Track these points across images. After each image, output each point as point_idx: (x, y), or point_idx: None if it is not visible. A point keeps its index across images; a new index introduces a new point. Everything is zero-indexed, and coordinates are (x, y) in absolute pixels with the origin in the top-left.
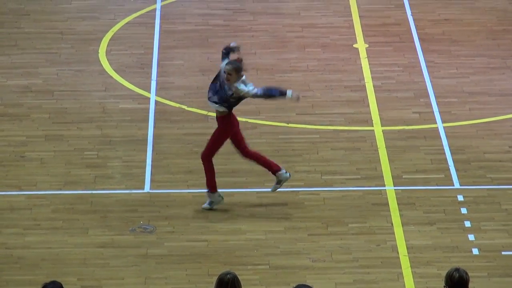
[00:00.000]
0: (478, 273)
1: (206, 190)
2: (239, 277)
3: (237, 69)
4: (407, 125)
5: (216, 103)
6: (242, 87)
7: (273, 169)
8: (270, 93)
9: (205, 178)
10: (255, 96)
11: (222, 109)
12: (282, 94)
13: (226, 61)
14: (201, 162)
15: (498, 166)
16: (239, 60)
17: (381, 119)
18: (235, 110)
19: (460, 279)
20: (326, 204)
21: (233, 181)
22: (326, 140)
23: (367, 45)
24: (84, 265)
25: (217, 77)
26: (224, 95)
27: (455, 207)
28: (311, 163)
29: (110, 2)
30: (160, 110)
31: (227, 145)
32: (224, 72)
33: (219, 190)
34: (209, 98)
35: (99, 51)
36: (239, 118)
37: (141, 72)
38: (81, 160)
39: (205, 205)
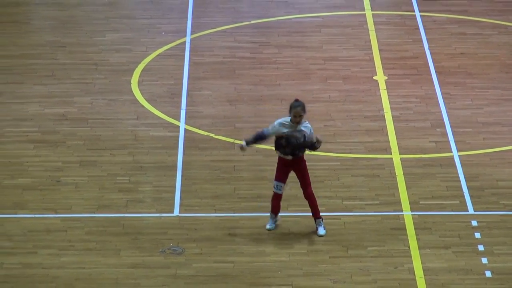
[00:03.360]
0: None
1: (318, 219)
2: None
3: (304, 108)
4: (424, 153)
5: (304, 151)
6: (310, 126)
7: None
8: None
9: (314, 210)
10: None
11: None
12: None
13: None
14: (308, 199)
15: (511, 193)
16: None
17: (399, 147)
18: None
19: None
20: (346, 228)
21: (258, 205)
22: (347, 167)
23: (386, 77)
24: (116, 284)
25: (287, 141)
26: (301, 145)
27: (469, 232)
28: (332, 189)
29: (142, 35)
30: (189, 137)
31: (255, 172)
32: (295, 116)
33: (246, 214)
34: (297, 155)
35: (132, 81)
36: (263, 146)
37: (171, 102)
38: (114, 185)
39: (322, 232)
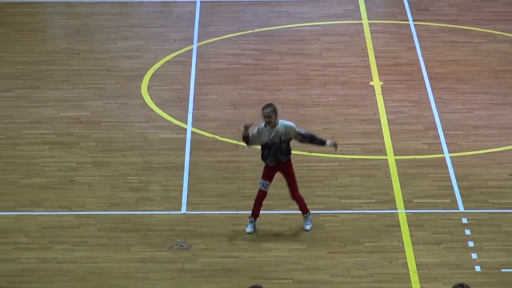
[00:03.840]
0: None
1: (306, 214)
2: None
3: (275, 110)
4: (417, 155)
5: (287, 155)
6: (288, 122)
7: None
8: (313, 137)
9: (302, 209)
10: (299, 134)
11: (289, 155)
12: (322, 142)
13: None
14: (296, 201)
15: (499, 192)
16: (272, 104)
17: (394, 149)
18: None
19: None
20: (344, 225)
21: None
22: (344, 167)
23: (382, 83)
24: (127, 278)
25: (266, 147)
26: (281, 147)
27: (460, 229)
28: (331, 188)
29: (151, 43)
30: (196, 139)
31: (258, 172)
32: (264, 117)
33: (250, 212)
34: (281, 161)
35: (141, 86)
36: None
37: (179, 106)
38: (125, 184)
39: (308, 227)
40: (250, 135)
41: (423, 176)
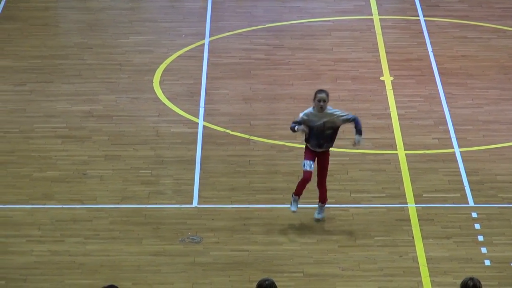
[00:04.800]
0: (489, 282)
1: (322, 204)
2: (276, 283)
3: (328, 96)
4: (428, 149)
5: (329, 142)
6: (335, 110)
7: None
8: (357, 123)
9: (321, 197)
10: (347, 120)
11: (332, 143)
12: (358, 131)
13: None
14: (320, 188)
15: (509, 187)
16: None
17: (404, 144)
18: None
19: (474, 287)
20: (354, 219)
21: (272, 197)
22: (355, 162)
23: (392, 78)
24: (138, 271)
25: (314, 133)
26: (324, 132)
27: (470, 223)
28: (342, 182)
29: (163, 38)
30: (207, 134)
31: (269, 166)
32: (319, 101)
33: (261, 206)
34: (322, 146)
35: (153, 81)
36: (277, 142)
37: (190, 100)
38: (137, 178)
39: (317, 216)
40: (297, 125)
41: (433, 171)
